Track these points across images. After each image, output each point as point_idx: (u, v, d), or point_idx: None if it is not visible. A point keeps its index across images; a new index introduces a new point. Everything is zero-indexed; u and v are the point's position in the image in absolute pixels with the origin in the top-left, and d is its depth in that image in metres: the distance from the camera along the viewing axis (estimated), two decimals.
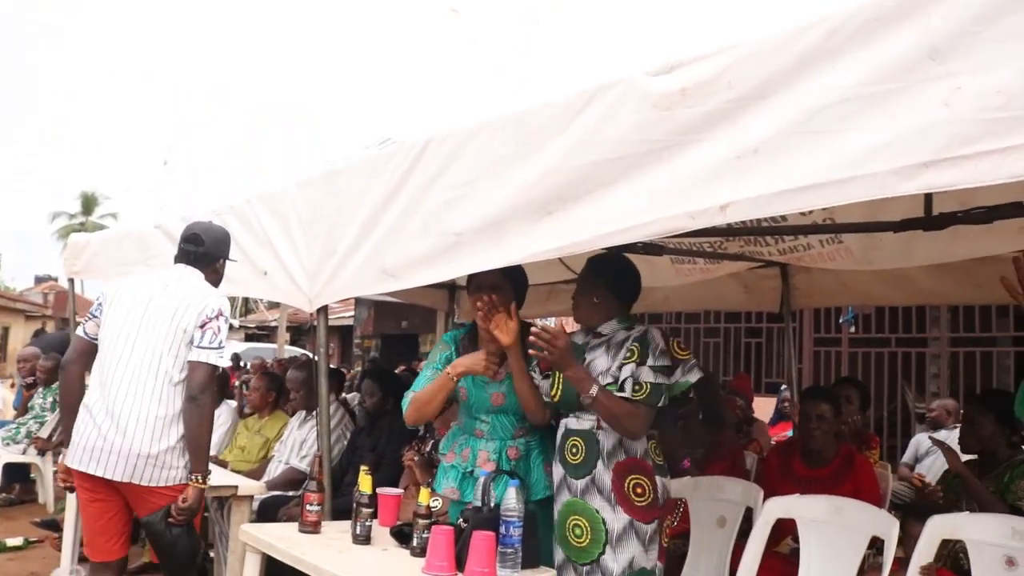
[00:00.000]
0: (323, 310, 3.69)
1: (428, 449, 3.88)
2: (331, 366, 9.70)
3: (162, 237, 5.07)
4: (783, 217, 3.96)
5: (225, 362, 3.76)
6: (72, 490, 3.65)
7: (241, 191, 4.37)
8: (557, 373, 3.00)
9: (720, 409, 4.58)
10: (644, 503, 2.86)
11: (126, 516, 3.48)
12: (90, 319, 3.58)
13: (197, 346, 3.38)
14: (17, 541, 6.02)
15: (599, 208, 2.38)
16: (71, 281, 7.46)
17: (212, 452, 5.20)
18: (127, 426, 3.30)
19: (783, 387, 8.51)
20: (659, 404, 2.87)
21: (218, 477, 4.26)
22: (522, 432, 3.16)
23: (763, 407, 7.34)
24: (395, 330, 17.52)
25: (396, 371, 8.53)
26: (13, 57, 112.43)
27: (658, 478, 2.93)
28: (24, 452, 7.34)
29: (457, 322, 7.97)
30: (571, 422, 3.00)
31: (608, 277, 3.06)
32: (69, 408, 3.57)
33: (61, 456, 3.84)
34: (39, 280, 44.75)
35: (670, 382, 2.91)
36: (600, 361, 2.96)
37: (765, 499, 3.49)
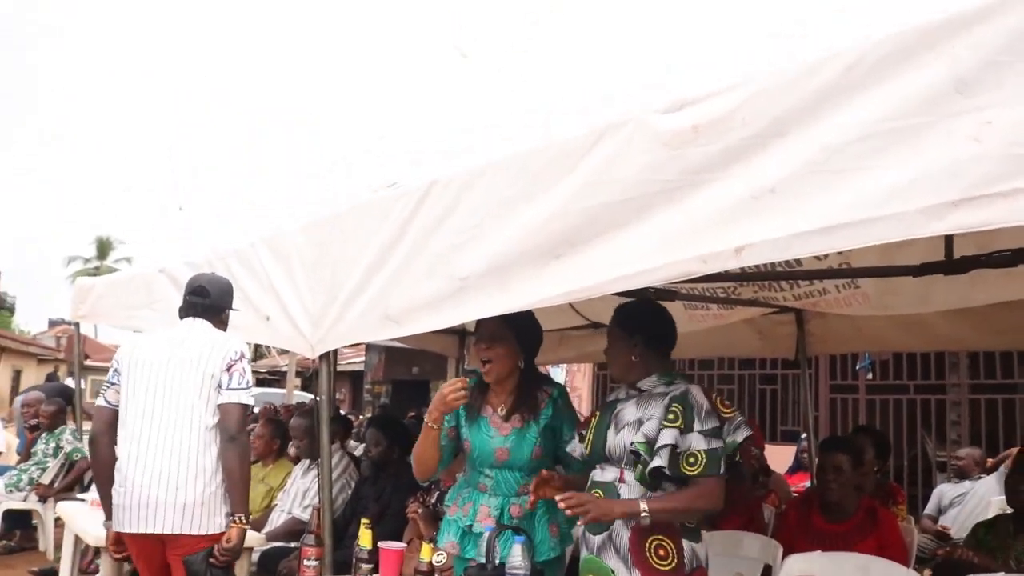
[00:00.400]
0: (326, 356, 3.59)
1: (433, 501, 3.75)
2: (340, 412, 9.59)
3: (166, 282, 5.01)
4: (798, 262, 3.87)
5: (252, 401, 3.73)
6: (128, 560, 3.63)
7: (245, 234, 4.31)
8: (589, 431, 2.87)
9: (735, 460, 4.42)
10: (666, 568, 2.60)
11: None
12: (109, 387, 3.60)
13: (227, 388, 3.44)
14: None
15: (609, 252, 2.29)
16: (77, 325, 7.41)
17: None
18: (171, 478, 3.33)
19: (803, 436, 8.33)
20: (720, 471, 2.62)
21: None
22: (527, 489, 3.04)
23: (778, 456, 7.18)
24: (406, 376, 17.38)
25: (405, 418, 8.40)
26: (13, 57, 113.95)
27: (686, 542, 2.66)
28: (25, 499, 7.26)
29: (467, 369, 7.88)
30: (596, 473, 2.81)
31: (642, 331, 2.85)
32: (105, 478, 3.55)
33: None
34: (52, 324, 44.88)
35: (724, 444, 2.67)
36: (628, 412, 2.77)
37: (784, 555, 3.34)
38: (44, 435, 7.55)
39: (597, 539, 2.71)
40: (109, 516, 3.52)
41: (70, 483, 7.37)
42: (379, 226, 3.18)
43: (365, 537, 2.92)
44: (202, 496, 3.34)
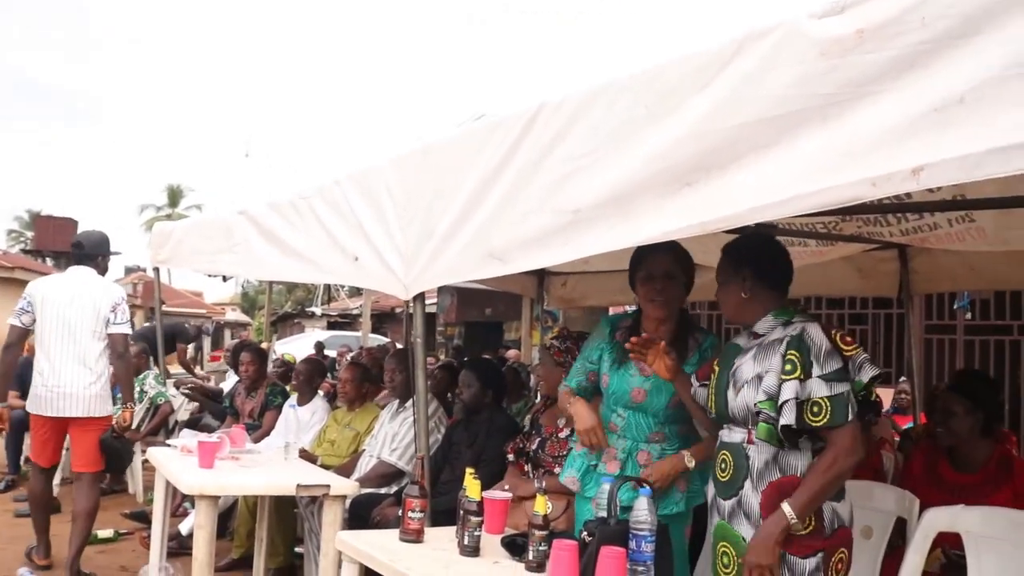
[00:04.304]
0: (419, 297, 3.43)
1: (534, 447, 3.57)
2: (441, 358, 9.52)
3: (247, 224, 4.90)
4: (907, 194, 3.56)
5: (130, 330, 5.40)
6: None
7: (329, 172, 4.15)
8: (710, 387, 2.65)
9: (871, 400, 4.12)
10: (802, 532, 2.36)
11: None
12: (24, 314, 5.07)
13: (114, 324, 5.06)
14: (108, 533, 5.97)
15: (751, 177, 2.04)
16: (156, 270, 7.40)
17: (305, 447, 5.09)
18: (77, 380, 4.96)
19: (902, 379, 8.01)
20: (849, 418, 2.35)
21: (310, 475, 4.07)
22: (659, 437, 2.85)
23: None
24: (479, 317, 17.28)
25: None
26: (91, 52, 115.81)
27: (827, 501, 2.42)
28: None
29: (547, 309, 7.69)
30: (724, 433, 2.58)
31: (754, 265, 2.60)
32: (6, 374, 5.27)
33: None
34: (128, 271, 45.97)
35: (850, 386, 2.40)
36: (746, 368, 2.51)
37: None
38: None
39: (727, 504, 2.49)
40: (2, 396, 5.22)
41: (155, 427, 7.43)
42: (477, 157, 2.98)
43: (473, 488, 2.75)
44: (97, 391, 5.01)
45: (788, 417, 2.33)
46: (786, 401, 2.34)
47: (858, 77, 1.81)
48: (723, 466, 2.53)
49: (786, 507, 2.32)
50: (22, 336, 5.20)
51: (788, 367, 2.38)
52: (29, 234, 40.79)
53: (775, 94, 1.96)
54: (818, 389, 2.35)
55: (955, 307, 9.09)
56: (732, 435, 2.53)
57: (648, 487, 2.46)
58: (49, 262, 26.39)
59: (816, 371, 2.36)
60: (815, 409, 2.34)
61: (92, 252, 5.24)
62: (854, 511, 2.54)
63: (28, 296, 5.13)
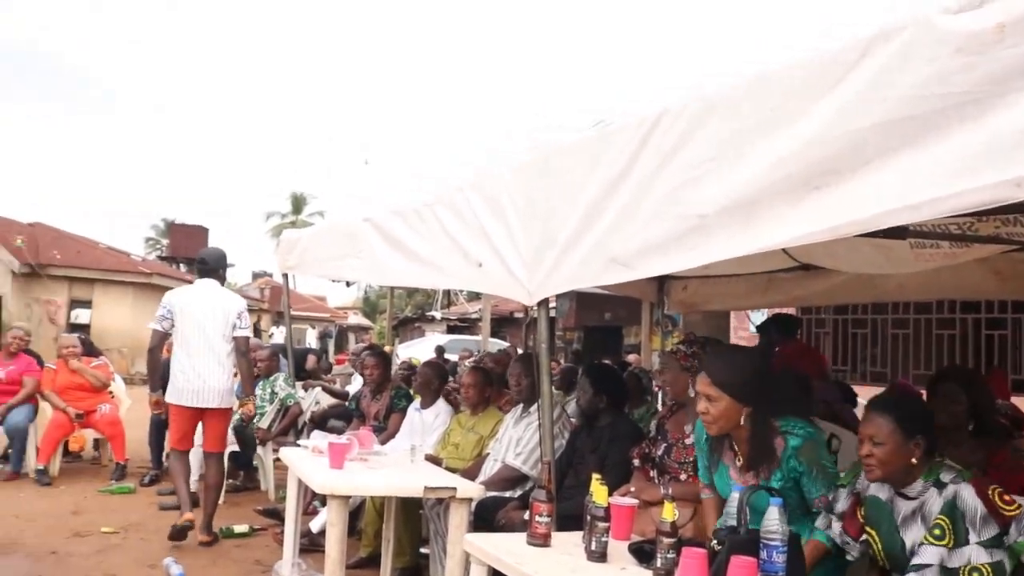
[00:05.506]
0: (543, 303, 3.46)
1: (660, 453, 3.55)
2: (559, 362, 9.55)
3: (371, 231, 5.03)
4: None
5: (251, 334, 6.37)
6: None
7: (451, 179, 4.23)
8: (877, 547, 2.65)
9: (994, 417, 3.94)
10: None
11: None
12: (164, 320, 5.93)
13: (239, 328, 6.01)
14: (243, 528, 6.20)
15: (883, 179, 2.00)
16: (285, 276, 7.68)
17: (429, 451, 5.20)
18: (213, 375, 5.89)
19: None
20: None
21: (437, 478, 4.15)
22: None
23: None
24: (598, 322, 17.22)
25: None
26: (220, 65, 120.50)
27: None
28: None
29: (667, 313, 7.60)
30: None
31: (926, 433, 2.56)
32: (155, 370, 6.26)
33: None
34: (256, 276, 47.80)
35: (1011, 548, 2.40)
36: (915, 533, 2.52)
37: None
38: (260, 381, 7.88)
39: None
40: (153, 389, 6.19)
41: (285, 427, 7.69)
42: (597, 164, 3.00)
43: (600, 494, 2.76)
44: (228, 385, 6.00)
45: None
46: (928, 565, 2.38)
47: (999, 74, 1.75)
48: None
49: None
50: (163, 339, 6.07)
51: (937, 532, 2.42)
52: (164, 241, 42.79)
53: (906, 94, 1.91)
54: (977, 556, 2.38)
55: None
56: None
57: (779, 497, 2.42)
58: (183, 267, 27.64)
59: (974, 538, 2.39)
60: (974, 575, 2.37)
61: (214, 266, 6.25)
62: None
63: (167, 305, 5.98)
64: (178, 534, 5.77)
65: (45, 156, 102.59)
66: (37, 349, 8.86)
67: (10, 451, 8.05)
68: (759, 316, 11.34)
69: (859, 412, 5.34)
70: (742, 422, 2.81)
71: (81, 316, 21.78)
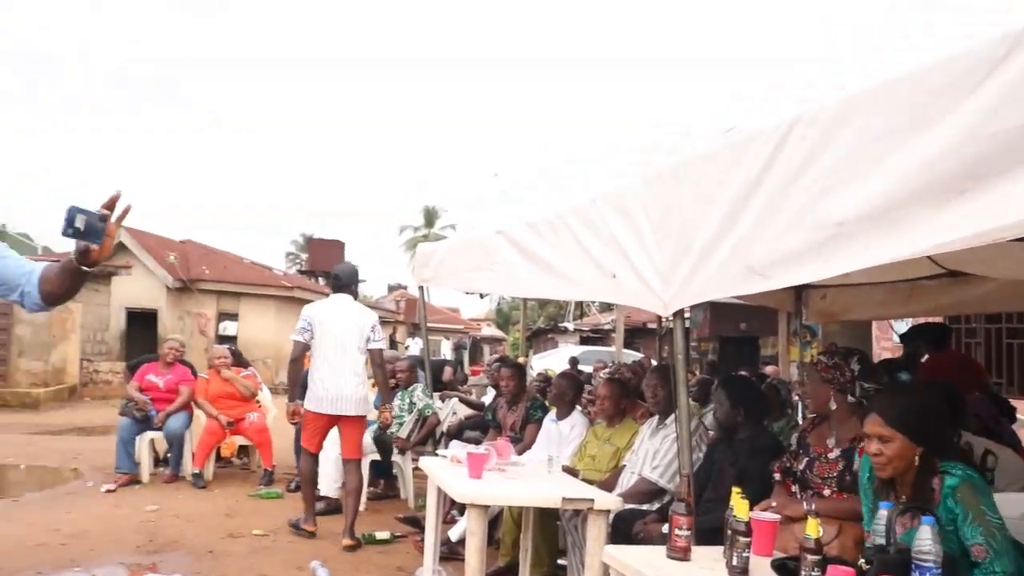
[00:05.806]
0: (679, 314, 3.44)
1: (802, 467, 3.45)
2: (696, 373, 9.46)
3: (504, 243, 5.11)
4: None
5: (385, 345, 7.17)
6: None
7: (582, 193, 4.25)
8: None
9: None
10: None
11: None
12: (305, 331, 6.27)
13: (373, 340, 6.38)
14: (385, 535, 6.35)
15: None
16: (421, 289, 7.86)
17: (565, 462, 5.22)
18: (349, 384, 6.23)
19: None
20: None
21: (575, 489, 4.16)
22: None
23: None
24: (733, 332, 16.91)
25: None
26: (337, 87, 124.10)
27: None
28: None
29: (805, 323, 7.39)
30: None
31: None
32: (296, 380, 6.56)
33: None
34: (391, 288, 49.07)
35: None
36: None
37: None
38: (399, 391, 8.10)
39: None
40: (292, 399, 6.42)
41: (423, 437, 7.86)
42: (731, 173, 2.97)
43: (741, 508, 2.71)
44: (364, 394, 6.33)
45: None
46: None
47: None
48: None
49: None
50: (304, 350, 6.38)
51: None
52: (303, 256, 44.36)
53: None
54: None
55: None
56: None
57: (930, 515, 2.32)
58: (321, 281, 28.61)
59: None
60: None
61: (347, 282, 6.61)
62: None
63: (307, 318, 6.35)
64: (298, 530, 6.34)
65: (190, 174, 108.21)
66: (189, 360, 9.35)
67: (169, 455, 8.52)
68: (902, 325, 10.92)
69: (1018, 428, 5.08)
70: (915, 463, 2.66)
71: (228, 328, 22.90)
